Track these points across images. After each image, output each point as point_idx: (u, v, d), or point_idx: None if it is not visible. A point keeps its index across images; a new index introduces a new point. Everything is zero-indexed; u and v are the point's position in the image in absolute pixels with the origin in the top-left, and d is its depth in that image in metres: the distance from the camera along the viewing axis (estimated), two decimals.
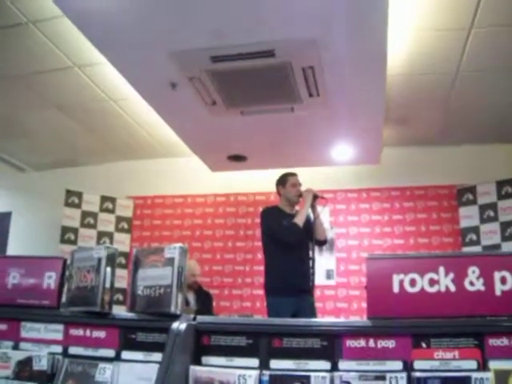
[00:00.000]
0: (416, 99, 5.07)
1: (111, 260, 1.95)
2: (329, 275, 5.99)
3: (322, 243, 4.50)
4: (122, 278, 6.07)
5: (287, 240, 4.23)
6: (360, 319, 2.90)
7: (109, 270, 1.93)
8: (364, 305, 5.75)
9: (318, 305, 4.68)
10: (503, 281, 1.58)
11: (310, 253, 4.30)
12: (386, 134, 5.54)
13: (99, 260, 1.94)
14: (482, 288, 1.59)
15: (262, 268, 4.77)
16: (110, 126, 5.86)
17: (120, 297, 6.03)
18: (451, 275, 1.62)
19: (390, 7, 3.17)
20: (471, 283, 1.60)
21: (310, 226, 4.33)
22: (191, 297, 5.11)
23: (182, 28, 3.38)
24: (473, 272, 1.60)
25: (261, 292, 5.95)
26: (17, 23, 3.93)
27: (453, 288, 1.61)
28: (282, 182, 4.50)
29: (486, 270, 1.60)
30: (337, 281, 6.01)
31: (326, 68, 3.81)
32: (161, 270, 1.84)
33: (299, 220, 4.23)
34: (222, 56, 3.65)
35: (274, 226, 4.34)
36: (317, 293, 4.76)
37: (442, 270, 1.62)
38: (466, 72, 4.49)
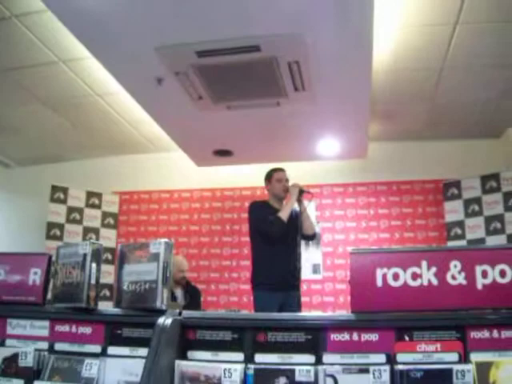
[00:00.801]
0: (402, 94, 5.10)
1: (96, 256, 1.95)
2: (315, 269, 6.02)
3: (309, 238, 4.52)
4: (109, 274, 6.05)
5: (272, 234, 4.25)
6: (344, 313, 2.90)
7: (94, 265, 1.93)
8: None
9: (305, 299, 4.70)
10: (484, 275, 1.61)
11: (299, 247, 4.33)
12: (373, 129, 5.57)
13: (84, 256, 1.93)
14: (464, 282, 1.61)
15: (248, 263, 4.79)
16: (95, 120, 5.83)
17: (107, 292, 6.01)
18: (433, 269, 1.64)
19: (376, 2, 3.18)
20: (453, 277, 1.62)
21: (296, 221, 4.34)
22: (179, 292, 5.11)
23: (168, 23, 3.37)
24: (455, 266, 1.63)
25: (248, 287, 5.96)
26: (0, 17, 3.89)
27: (435, 282, 1.63)
28: (268, 177, 4.51)
29: (468, 264, 1.62)
30: (323, 275, 6.04)
31: (311, 62, 3.82)
32: (146, 265, 1.85)
33: (283, 214, 4.25)
34: (207, 51, 3.65)
35: (260, 219, 4.36)
36: (303, 287, 4.78)
37: (424, 264, 1.65)
38: (451, 67, 4.52)
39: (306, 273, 4.65)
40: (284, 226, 4.21)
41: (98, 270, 1.95)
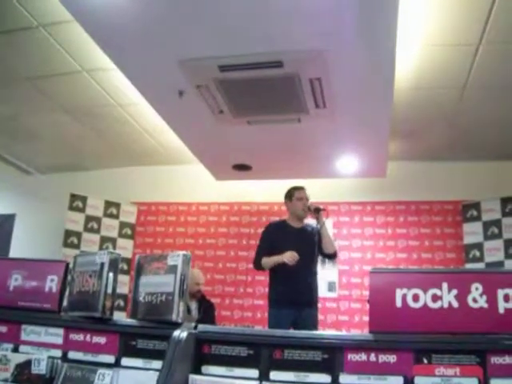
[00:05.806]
0: (423, 114, 5.07)
1: (114, 265, 1.95)
2: (331, 287, 5.97)
3: (330, 256, 4.43)
4: (124, 284, 6.06)
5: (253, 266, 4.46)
6: (361, 333, 2.87)
7: (111, 275, 1.93)
8: (365, 318, 5.67)
9: (319, 317, 4.65)
10: (506, 298, 1.57)
11: (315, 265, 4.30)
12: (392, 148, 5.54)
13: (102, 265, 1.93)
14: (485, 305, 1.58)
15: (263, 278, 4.78)
16: (116, 131, 5.87)
17: (121, 303, 6.02)
18: (454, 291, 1.61)
19: (399, 21, 3.17)
20: (474, 300, 1.59)
21: (313, 238, 4.31)
22: (194, 305, 5.10)
23: (191, 37, 3.39)
24: (476, 289, 1.59)
25: (262, 302, 5.94)
26: (27, 26, 3.95)
27: (456, 304, 1.60)
28: (289, 196, 4.48)
29: (490, 288, 1.59)
30: (339, 293, 5.99)
31: (333, 80, 3.81)
32: (163, 277, 1.84)
33: (267, 263, 4.29)
34: (230, 65, 3.66)
35: (257, 250, 4.45)
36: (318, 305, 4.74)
37: (445, 285, 1.62)
38: (473, 88, 4.48)
39: (320, 290, 4.58)
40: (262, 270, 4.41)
41: (115, 279, 1.94)
